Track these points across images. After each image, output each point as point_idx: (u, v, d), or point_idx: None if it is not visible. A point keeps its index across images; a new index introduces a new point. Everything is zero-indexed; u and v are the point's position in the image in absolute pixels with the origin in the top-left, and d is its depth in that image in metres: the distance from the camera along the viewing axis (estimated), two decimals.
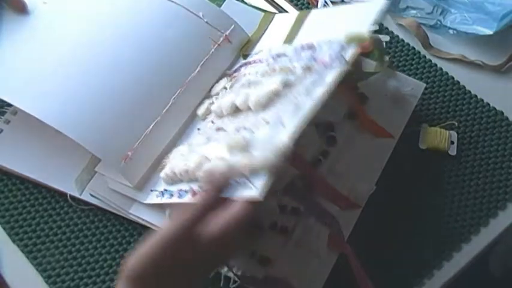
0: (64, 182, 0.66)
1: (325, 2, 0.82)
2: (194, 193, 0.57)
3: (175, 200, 0.59)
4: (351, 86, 0.70)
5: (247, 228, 0.51)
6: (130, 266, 0.48)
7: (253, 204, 0.50)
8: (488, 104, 0.75)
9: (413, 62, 0.78)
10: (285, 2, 0.83)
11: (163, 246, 0.48)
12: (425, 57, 0.78)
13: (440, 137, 0.71)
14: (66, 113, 0.61)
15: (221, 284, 0.61)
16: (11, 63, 0.65)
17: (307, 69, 0.59)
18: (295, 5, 0.83)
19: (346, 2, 0.83)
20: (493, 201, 0.68)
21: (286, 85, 0.58)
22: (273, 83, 0.59)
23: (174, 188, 0.60)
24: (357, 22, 0.61)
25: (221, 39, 0.70)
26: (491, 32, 0.77)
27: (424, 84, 0.73)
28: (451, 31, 0.80)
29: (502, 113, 0.74)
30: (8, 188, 0.68)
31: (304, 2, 0.83)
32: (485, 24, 0.77)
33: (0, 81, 0.64)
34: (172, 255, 0.48)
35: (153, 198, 0.62)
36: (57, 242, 0.64)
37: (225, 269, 0.60)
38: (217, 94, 0.67)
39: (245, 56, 0.72)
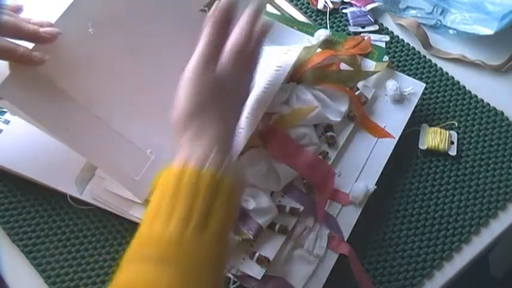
0: (64, 182, 0.66)
1: (325, 2, 0.82)
2: None
3: None
4: (351, 86, 0.70)
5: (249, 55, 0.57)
6: (175, 114, 0.53)
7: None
8: (488, 104, 0.75)
9: (413, 62, 0.78)
10: (285, 2, 0.83)
11: (190, 90, 0.53)
12: (425, 57, 0.78)
13: (440, 137, 0.71)
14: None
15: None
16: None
17: None
18: (295, 5, 0.83)
19: (346, 2, 0.83)
20: (493, 201, 0.68)
21: None
22: None
23: None
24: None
25: None
26: (491, 32, 0.77)
27: (424, 84, 0.73)
28: (451, 31, 0.80)
29: (502, 113, 0.74)
30: (8, 188, 0.68)
31: (304, 2, 0.83)
32: (485, 24, 0.77)
33: None
34: (200, 92, 0.53)
35: None
36: (57, 242, 0.64)
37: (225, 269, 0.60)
38: None
39: None
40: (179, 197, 0.47)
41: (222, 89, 0.54)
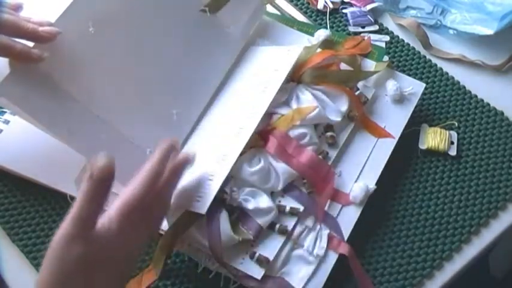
0: (64, 182, 0.66)
1: (325, 2, 0.82)
2: None
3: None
4: (351, 86, 0.70)
5: (144, 213, 0.52)
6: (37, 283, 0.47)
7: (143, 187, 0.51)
8: (488, 104, 0.75)
9: (413, 62, 0.78)
10: (285, 2, 0.83)
11: (52, 262, 0.46)
12: (425, 57, 0.78)
13: (440, 137, 0.71)
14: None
15: (221, 284, 0.61)
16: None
17: None
18: (295, 5, 0.83)
19: (346, 2, 0.83)
20: (493, 201, 0.68)
21: None
22: None
23: None
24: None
25: None
26: (491, 32, 0.77)
27: (424, 84, 0.73)
28: (451, 31, 0.80)
29: (502, 113, 0.74)
30: (8, 188, 0.68)
31: (304, 2, 0.83)
32: (485, 24, 0.77)
33: None
34: (62, 265, 0.46)
35: None
36: None
37: (225, 270, 0.60)
38: None
39: None
40: None
41: (93, 264, 0.48)
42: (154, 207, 0.54)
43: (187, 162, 0.57)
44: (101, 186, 0.48)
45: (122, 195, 0.51)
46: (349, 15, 0.81)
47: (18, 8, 0.61)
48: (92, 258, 0.47)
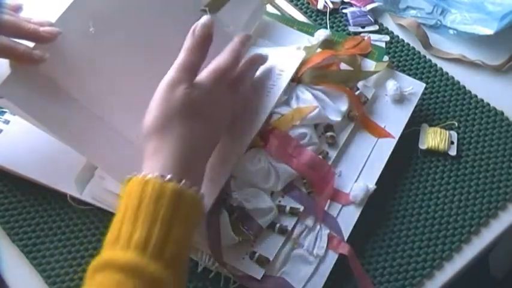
0: (64, 182, 0.66)
1: (325, 2, 0.82)
2: None
3: None
4: (351, 86, 0.70)
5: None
6: (143, 125, 0.54)
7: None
8: (488, 104, 0.75)
9: (413, 62, 0.78)
10: (285, 2, 0.83)
11: (158, 102, 0.54)
12: (425, 57, 0.78)
13: (440, 137, 0.70)
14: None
15: (221, 284, 0.61)
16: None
17: None
18: (295, 5, 0.83)
19: (346, 2, 0.83)
20: (493, 201, 0.68)
21: None
22: None
23: None
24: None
25: None
26: (491, 32, 0.77)
27: (424, 84, 0.73)
28: (451, 31, 0.80)
29: (502, 113, 0.74)
30: (8, 188, 0.68)
31: (304, 2, 0.83)
32: (485, 24, 0.77)
33: None
34: (168, 106, 0.54)
35: None
36: (57, 242, 0.64)
37: (225, 270, 0.60)
38: None
39: None
40: (139, 216, 0.48)
41: (193, 107, 0.55)
42: (233, 88, 0.61)
43: (262, 58, 0.66)
44: (202, 41, 0.57)
45: (212, 63, 0.59)
46: (349, 15, 0.81)
47: (18, 8, 0.61)
48: (193, 101, 0.55)
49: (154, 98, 0.55)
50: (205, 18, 0.58)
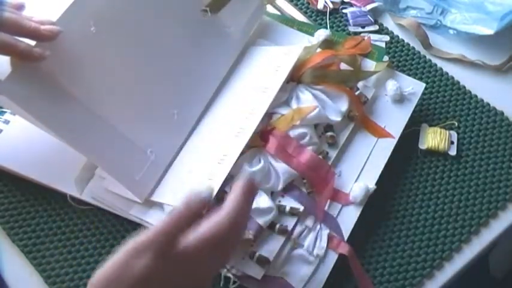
0: (64, 182, 0.66)
1: (325, 2, 0.82)
2: None
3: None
4: (351, 86, 0.70)
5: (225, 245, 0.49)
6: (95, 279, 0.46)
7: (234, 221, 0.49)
8: (488, 104, 0.75)
9: (413, 62, 0.78)
10: (285, 2, 0.83)
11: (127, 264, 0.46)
12: (425, 57, 0.78)
13: (440, 137, 0.71)
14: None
15: (221, 284, 0.61)
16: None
17: None
18: (295, 5, 0.83)
19: (346, 2, 0.83)
20: (493, 201, 0.68)
21: None
22: None
23: None
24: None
25: None
26: (491, 32, 0.77)
27: (424, 84, 0.73)
28: (451, 31, 0.80)
29: (502, 113, 0.74)
30: (8, 188, 0.68)
31: (304, 2, 0.83)
32: (485, 24, 0.77)
33: None
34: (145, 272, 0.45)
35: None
36: (56, 242, 0.64)
37: (225, 269, 0.60)
38: None
39: None
40: None
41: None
42: (222, 253, 0.51)
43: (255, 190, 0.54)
44: (194, 211, 0.49)
45: (208, 223, 0.48)
46: (349, 15, 0.81)
47: (20, 7, 0.61)
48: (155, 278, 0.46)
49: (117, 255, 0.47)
50: (204, 192, 0.51)
